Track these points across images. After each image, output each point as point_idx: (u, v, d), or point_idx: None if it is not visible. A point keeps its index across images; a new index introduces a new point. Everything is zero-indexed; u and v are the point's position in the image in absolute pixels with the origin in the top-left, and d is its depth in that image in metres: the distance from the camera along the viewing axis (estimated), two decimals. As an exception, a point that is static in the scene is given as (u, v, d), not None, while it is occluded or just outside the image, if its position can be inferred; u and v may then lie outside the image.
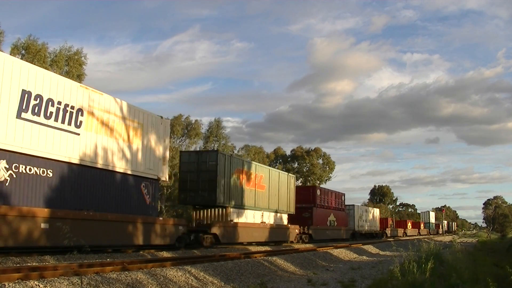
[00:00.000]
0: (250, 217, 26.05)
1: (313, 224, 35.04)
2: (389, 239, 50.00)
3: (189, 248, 20.29)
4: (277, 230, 28.92)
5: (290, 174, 34.28)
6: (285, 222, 31.16)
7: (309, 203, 35.91)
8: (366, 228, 51.55)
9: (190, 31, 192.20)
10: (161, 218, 19.53)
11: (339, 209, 42.44)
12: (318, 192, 37.79)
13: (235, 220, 24.37)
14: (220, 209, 23.84)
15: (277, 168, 67.21)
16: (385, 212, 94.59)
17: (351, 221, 46.62)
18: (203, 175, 23.08)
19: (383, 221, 61.50)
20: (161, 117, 19.71)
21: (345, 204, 45.47)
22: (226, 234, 22.91)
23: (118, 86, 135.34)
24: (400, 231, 67.41)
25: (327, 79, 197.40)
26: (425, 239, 40.65)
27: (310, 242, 33.24)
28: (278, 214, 29.96)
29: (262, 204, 27.67)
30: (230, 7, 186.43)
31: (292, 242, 30.91)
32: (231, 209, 24.10)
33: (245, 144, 59.06)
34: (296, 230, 31.92)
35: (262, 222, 27.26)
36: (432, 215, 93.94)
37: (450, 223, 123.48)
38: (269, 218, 28.37)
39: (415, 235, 69.67)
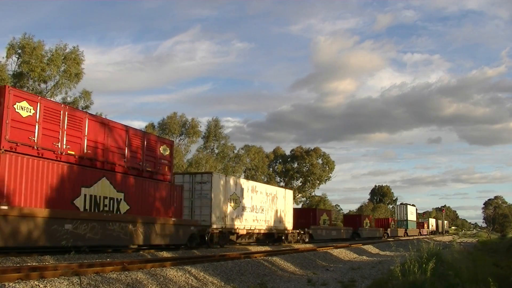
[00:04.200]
0: None
1: None
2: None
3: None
4: None
5: None
6: None
7: None
8: (252, 225, 26.74)
9: (190, 31, 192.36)
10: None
11: (144, 175, 18.58)
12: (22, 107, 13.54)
13: None
14: None
15: (277, 169, 67.47)
16: (385, 212, 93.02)
17: (204, 209, 22.81)
18: None
19: (304, 213, 36.45)
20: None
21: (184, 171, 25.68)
22: None
23: (118, 86, 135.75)
24: (347, 232, 43.24)
25: (330, 79, 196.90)
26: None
27: None
28: None
29: None
30: (230, 7, 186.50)
31: None
32: None
33: (245, 144, 58.99)
34: None
35: None
36: (412, 210, 69.64)
37: (440, 221, 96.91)
38: None
39: (377, 237, 49.47)
